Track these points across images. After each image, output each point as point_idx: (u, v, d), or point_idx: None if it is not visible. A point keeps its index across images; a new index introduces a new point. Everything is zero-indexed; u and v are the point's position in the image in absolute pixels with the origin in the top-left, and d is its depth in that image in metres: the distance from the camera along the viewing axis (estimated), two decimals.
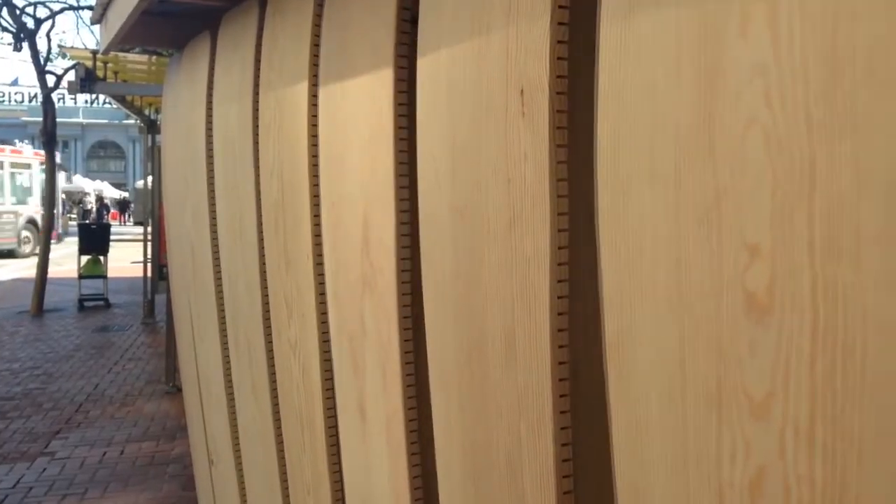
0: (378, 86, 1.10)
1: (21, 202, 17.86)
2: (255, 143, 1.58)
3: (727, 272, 0.60)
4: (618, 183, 0.71)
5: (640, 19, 0.68)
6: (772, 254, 0.56)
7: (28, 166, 18.34)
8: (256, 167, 1.59)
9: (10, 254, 16.57)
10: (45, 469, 4.40)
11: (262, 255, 1.60)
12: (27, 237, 17.60)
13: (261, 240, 1.59)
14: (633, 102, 0.69)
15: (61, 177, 19.27)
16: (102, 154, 46.74)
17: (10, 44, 10.69)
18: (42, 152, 11.96)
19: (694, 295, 0.64)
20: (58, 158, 11.32)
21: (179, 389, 6.05)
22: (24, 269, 14.11)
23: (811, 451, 0.54)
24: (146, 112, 9.26)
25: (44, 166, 8.54)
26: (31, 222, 17.49)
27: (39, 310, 9.89)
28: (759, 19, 0.56)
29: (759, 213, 0.57)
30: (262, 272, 1.60)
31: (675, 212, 0.65)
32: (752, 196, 0.57)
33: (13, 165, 17.97)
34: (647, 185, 0.68)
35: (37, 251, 12.54)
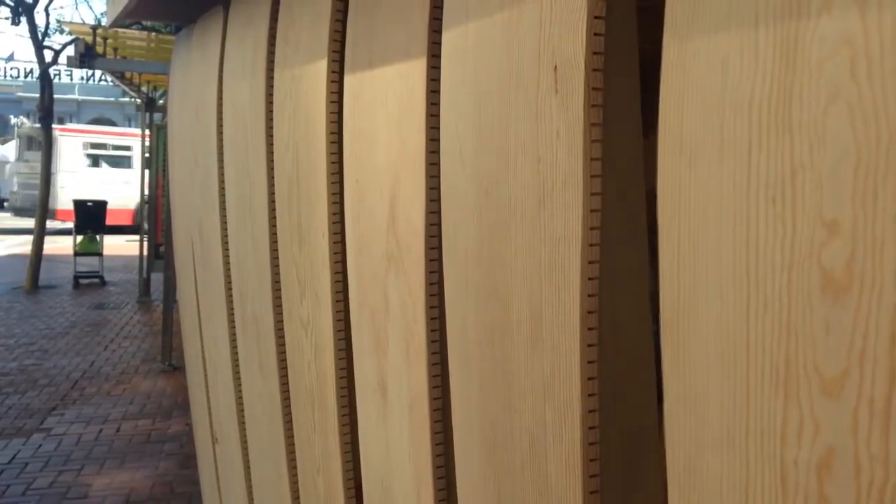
0: (409, 59, 1.08)
1: None
2: (268, 119, 1.56)
3: (801, 249, 0.59)
4: (683, 155, 0.69)
5: None
6: (852, 230, 0.55)
7: None
8: (269, 144, 1.57)
9: None
10: (40, 445, 4.40)
11: (272, 233, 1.59)
12: None
13: (272, 217, 1.58)
14: (702, 72, 0.67)
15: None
16: None
17: (7, 18, 10.60)
18: None
19: (763, 272, 0.62)
20: None
21: (175, 368, 6.05)
22: (20, 244, 14.07)
23: (887, 430, 0.53)
24: (144, 89, 9.20)
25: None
26: None
27: (34, 286, 9.87)
28: None
29: (841, 188, 0.56)
30: (273, 249, 1.59)
31: (746, 187, 0.63)
32: (833, 172, 0.56)
33: None
34: (716, 159, 0.66)
35: None
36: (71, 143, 18.24)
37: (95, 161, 18.60)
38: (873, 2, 0.53)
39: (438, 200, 1.04)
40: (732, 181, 0.65)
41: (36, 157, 18.67)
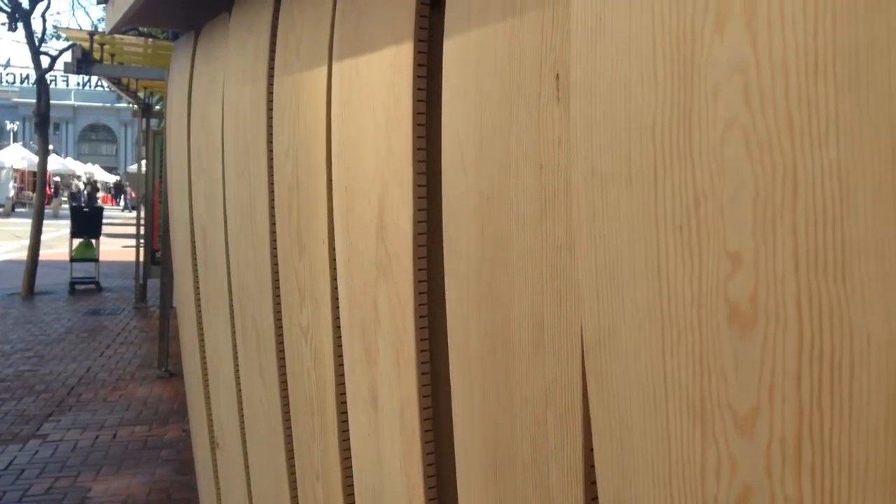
0: (396, 69, 1.08)
1: None
2: (269, 126, 1.57)
3: (709, 281, 0.58)
4: (595, 180, 0.69)
5: (612, 9, 0.66)
6: (755, 263, 0.54)
7: None
8: (269, 150, 1.57)
9: None
10: (37, 451, 4.38)
11: (273, 240, 1.59)
12: None
13: (272, 224, 1.58)
14: (607, 96, 0.67)
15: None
16: (94, 137, 46.48)
17: (4, 24, 10.61)
18: None
19: (675, 303, 0.62)
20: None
21: (172, 374, 6.03)
22: (16, 250, 14.04)
23: (798, 470, 0.52)
24: (141, 95, 9.19)
25: None
26: None
27: (30, 292, 9.85)
28: (737, 16, 0.55)
29: (741, 219, 0.55)
30: (273, 256, 1.59)
31: (654, 215, 0.63)
32: (732, 202, 0.55)
33: None
34: (625, 185, 0.66)
35: None
36: None
37: None
38: (763, 25, 0.53)
39: (426, 209, 1.04)
40: (641, 208, 0.64)
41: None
